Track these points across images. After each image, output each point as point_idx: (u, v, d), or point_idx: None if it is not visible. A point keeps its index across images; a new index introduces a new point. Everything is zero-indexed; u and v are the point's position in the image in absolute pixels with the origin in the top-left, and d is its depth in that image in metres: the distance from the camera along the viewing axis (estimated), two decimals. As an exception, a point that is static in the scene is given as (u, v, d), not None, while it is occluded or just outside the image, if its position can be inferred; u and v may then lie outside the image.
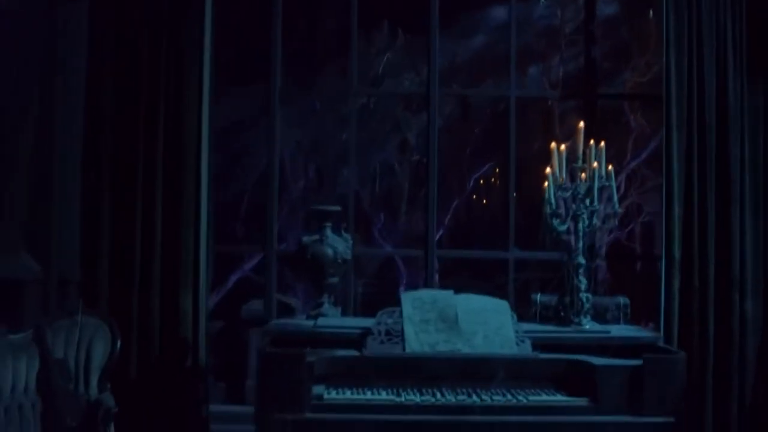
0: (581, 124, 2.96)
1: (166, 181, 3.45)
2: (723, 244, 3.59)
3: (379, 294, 5.69)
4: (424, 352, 2.62)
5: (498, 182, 5.54)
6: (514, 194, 3.91)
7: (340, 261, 3.06)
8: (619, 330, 2.93)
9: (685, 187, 3.62)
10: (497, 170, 5.50)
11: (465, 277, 4.43)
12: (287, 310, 4.45)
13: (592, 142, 2.85)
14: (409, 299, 2.80)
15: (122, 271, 3.39)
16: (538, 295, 3.20)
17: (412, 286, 5.20)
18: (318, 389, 2.49)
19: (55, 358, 2.96)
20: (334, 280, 3.11)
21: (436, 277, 3.87)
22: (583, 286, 2.91)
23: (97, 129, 3.48)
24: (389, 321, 2.73)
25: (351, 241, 3.14)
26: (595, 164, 2.80)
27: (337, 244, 3.07)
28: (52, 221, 3.40)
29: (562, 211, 2.87)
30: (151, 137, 3.45)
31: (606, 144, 2.98)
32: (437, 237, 5.42)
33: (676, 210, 3.59)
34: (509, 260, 3.94)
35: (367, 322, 2.88)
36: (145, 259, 3.40)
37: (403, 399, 2.47)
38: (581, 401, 2.50)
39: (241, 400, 4.99)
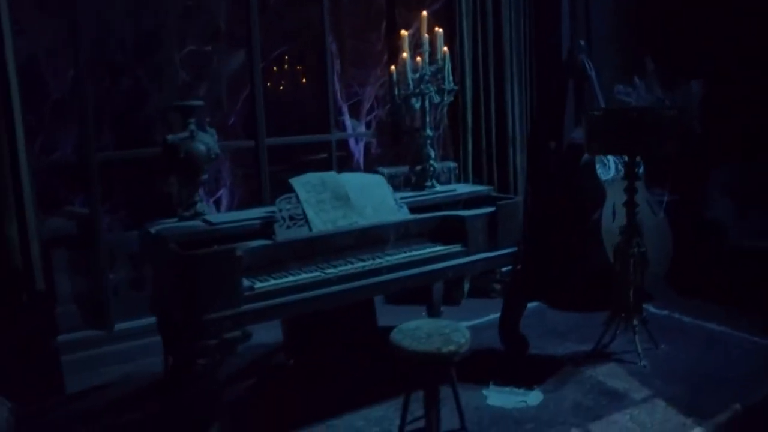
0: (424, 13, 3.28)
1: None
2: (501, 112, 4.42)
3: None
4: (329, 230, 2.83)
5: (288, 68, 5.51)
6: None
7: (213, 156, 2.98)
8: (460, 187, 3.52)
9: (473, 68, 4.29)
10: (286, 57, 5.47)
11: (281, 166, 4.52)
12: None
13: (437, 29, 3.21)
14: (300, 184, 2.92)
15: None
16: (385, 170, 3.60)
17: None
18: (246, 282, 2.54)
19: None
20: (205, 177, 3.02)
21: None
22: (432, 155, 3.39)
23: None
24: (288, 207, 2.84)
25: (215, 136, 3.04)
26: (445, 49, 3.18)
27: (207, 140, 2.96)
28: None
29: (418, 91, 3.23)
30: None
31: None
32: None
33: (468, 85, 4.26)
34: (332, 141, 4.23)
35: (255, 212, 2.95)
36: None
37: (324, 274, 2.69)
38: (458, 247, 3.03)
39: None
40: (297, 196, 2.87)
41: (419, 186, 3.40)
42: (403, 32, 3.21)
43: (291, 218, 2.82)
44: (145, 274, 4.19)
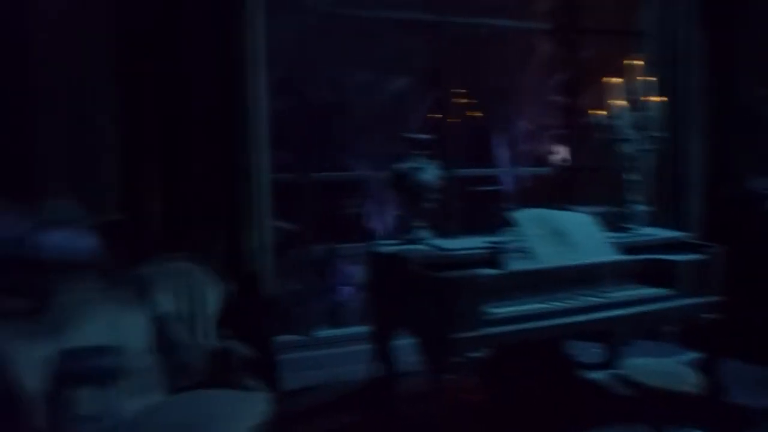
0: (640, 62, 3.42)
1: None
2: (684, 160, 4.46)
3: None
4: (554, 264, 2.97)
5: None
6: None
7: (436, 187, 3.20)
8: (660, 232, 3.59)
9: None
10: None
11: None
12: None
13: (649, 78, 3.35)
14: (523, 218, 3.08)
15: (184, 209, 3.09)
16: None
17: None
18: (484, 307, 2.70)
19: (166, 310, 2.70)
20: (430, 205, 3.25)
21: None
22: (635, 199, 3.48)
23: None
24: (513, 239, 3.01)
25: (439, 168, 3.27)
26: (661, 98, 3.31)
27: (433, 171, 3.19)
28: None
29: (627, 136, 3.36)
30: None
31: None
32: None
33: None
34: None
35: (477, 241, 3.13)
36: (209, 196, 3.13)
37: (553, 305, 2.82)
38: (670, 290, 3.09)
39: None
40: (520, 230, 3.03)
41: (619, 228, 3.48)
42: (616, 80, 3.36)
43: (517, 250, 2.97)
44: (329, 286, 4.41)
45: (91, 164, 2.95)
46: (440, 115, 4.17)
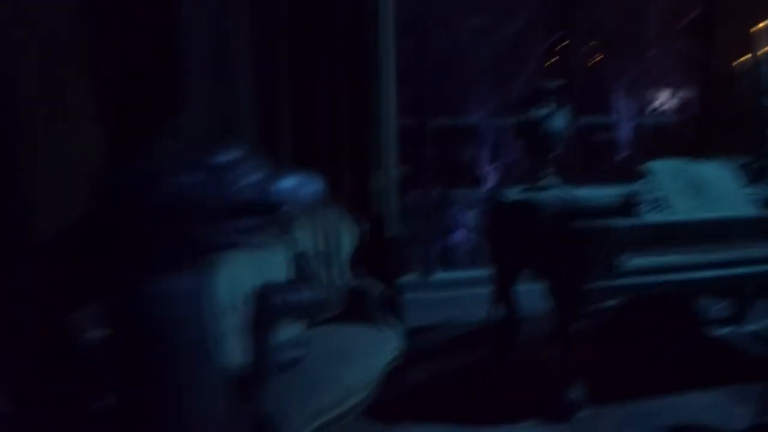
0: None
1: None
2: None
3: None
4: (692, 217, 2.89)
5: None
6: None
7: (567, 135, 3.15)
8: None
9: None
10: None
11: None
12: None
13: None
14: (659, 169, 3.00)
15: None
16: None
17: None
18: (620, 257, 2.68)
19: (305, 248, 2.84)
20: (558, 152, 3.21)
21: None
22: (777, 151, 3.30)
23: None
24: (648, 189, 2.94)
25: (570, 116, 3.21)
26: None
27: (564, 119, 3.14)
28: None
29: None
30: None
31: None
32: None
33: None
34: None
35: (608, 191, 3.07)
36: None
37: (688, 258, 2.76)
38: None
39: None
40: (655, 181, 2.95)
41: (759, 181, 3.32)
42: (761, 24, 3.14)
43: (653, 201, 2.90)
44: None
45: (229, 108, 3.08)
46: (562, 61, 4.04)
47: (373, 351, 2.54)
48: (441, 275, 3.93)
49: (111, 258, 0.98)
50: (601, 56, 4.65)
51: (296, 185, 1.10)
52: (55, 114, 1.97)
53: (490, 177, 4.45)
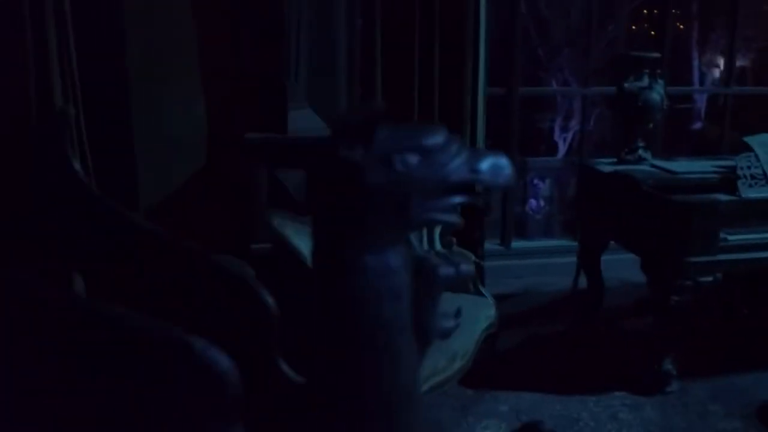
0: None
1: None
2: None
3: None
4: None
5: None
6: None
7: (664, 107, 3.12)
8: None
9: None
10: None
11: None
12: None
13: None
14: (758, 143, 2.94)
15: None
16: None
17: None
18: (720, 233, 2.67)
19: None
20: (650, 126, 3.18)
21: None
22: None
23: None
24: (747, 164, 2.89)
25: (666, 88, 3.16)
26: None
27: (660, 91, 3.10)
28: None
29: None
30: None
31: None
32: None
33: None
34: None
35: (707, 165, 3.06)
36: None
37: (790, 235, 2.73)
38: None
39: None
40: (756, 156, 2.90)
41: None
42: None
43: (752, 177, 2.86)
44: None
45: (328, 77, 3.13)
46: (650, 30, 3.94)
47: (471, 319, 2.60)
48: (518, 244, 3.95)
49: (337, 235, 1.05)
50: (691, 23, 4.53)
51: (494, 166, 1.16)
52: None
53: (572, 146, 4.43)
